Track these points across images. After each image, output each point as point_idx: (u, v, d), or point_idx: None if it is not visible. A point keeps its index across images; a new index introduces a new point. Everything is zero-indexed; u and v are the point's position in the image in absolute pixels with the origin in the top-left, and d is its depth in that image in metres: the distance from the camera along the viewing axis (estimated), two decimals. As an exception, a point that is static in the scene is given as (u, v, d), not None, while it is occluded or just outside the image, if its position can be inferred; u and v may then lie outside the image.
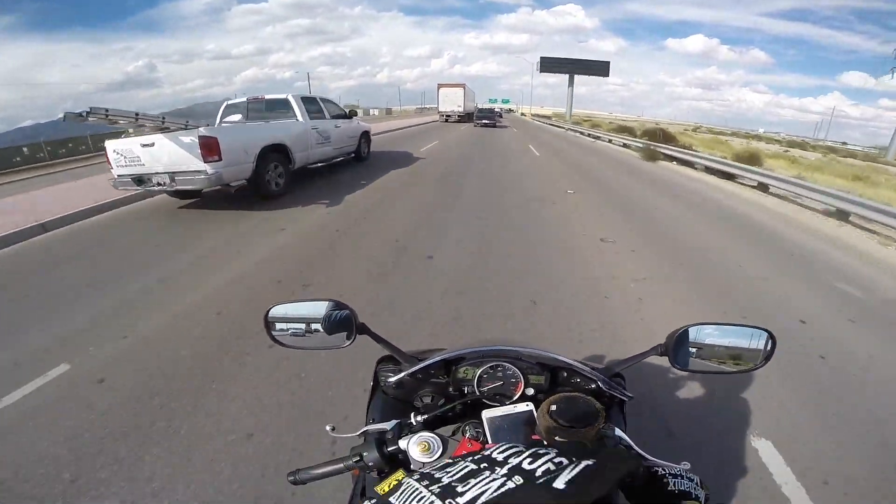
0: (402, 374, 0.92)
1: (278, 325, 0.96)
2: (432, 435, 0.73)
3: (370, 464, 0.73)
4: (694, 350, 0.90)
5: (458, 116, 34.29)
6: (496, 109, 45.06)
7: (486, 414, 0.79)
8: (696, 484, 0.68)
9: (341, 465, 0.75)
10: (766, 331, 0.90)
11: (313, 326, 0.95)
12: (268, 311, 0.96)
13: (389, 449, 0.74)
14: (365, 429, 0.82)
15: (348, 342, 0.94)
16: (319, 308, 0.96)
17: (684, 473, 0.69)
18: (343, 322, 0.95)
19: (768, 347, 0.89)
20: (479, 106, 44.46)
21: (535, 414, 0.76)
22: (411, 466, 0.71)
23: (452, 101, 34.57)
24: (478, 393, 0.90)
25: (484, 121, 30.77)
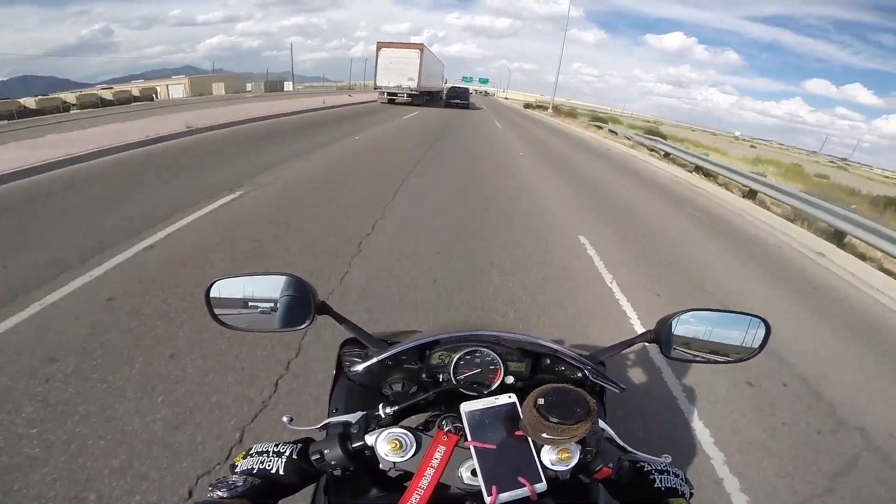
0: (372, 361, 0.82)
1: (222, 303, 0.83)
2: (404, 431, 0.65)
3: (332, 462, 0.65)
4: (685, 337, 0.86)
5: (409, 96, 24.70)
6: (469, 89, 40.62)
7: (465, 407, 0.67)
8: (682, 479, 0.68)
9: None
10: (761, 319, 0.87)
11: (264, 305, 0.82)
12: (209, 287, 0.82)
13: (355, 445, 0.65)
14: (326, 421, 0.72)
15: (305, 324, 0.82)
16: (272, 283, 0.83)
17: (669, 469, 0.69)
18: (301, 300, 0.82)
19: (762, 334, 0.87)
20: (451, 84, 39.85)
21: (519, 407, 0.66)
22: (380, 466, 0.65)
23: (400, 71, 24.57)
24: (454, 381, 0.83)
25: (456, 100, 29.36)
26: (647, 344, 0.87)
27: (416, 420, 0.78)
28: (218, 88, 34.35)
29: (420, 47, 24.69)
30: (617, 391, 0.85)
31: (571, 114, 36.36)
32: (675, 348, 0.86)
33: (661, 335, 0.85)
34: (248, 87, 34.53)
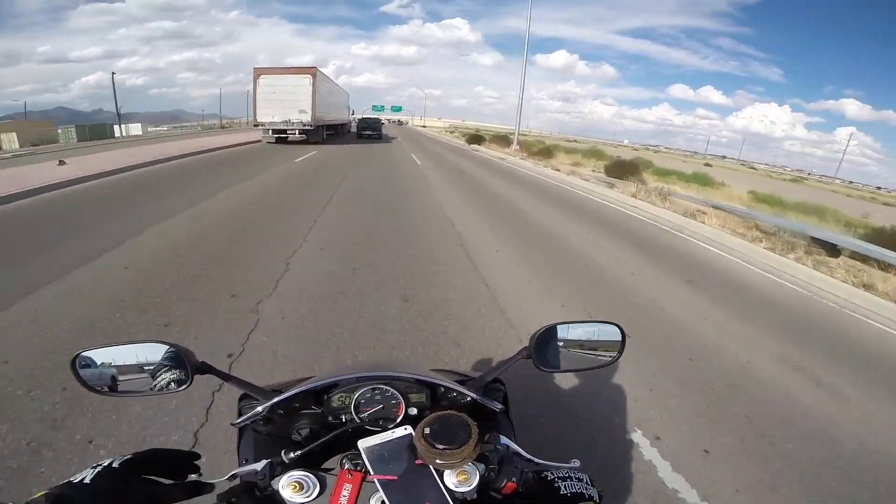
0: (252, 413, 0.82)
1: (91, 373, 0.80)
2: (304, 473, 0.67)
3: None
4: (555, 349, 0.94)
5: (303, 132, 19.88)
6: (382, 119, 40.38)
7: (363, 444, 0.71)
8: (587, 483, 0.72)
9: None
10: (615, 325, 0.96)
11: (142, 371, 0.81)
12: (74, 358, 0.79)
13: (265, 492, 0.68)
14: (234, 472, 0.72)
15: (183, 386, 0.82)
16: (144, 351, 0.82)
17: (573, 474, 0.72)
18: (177, 364, 0.81)
19: (619, 339, 0.96)
20: (361, 115, 39.23)
21: (414, 437, 0.70)
22: None
23: (287, 103, 19.51)
24: (357, 420, 0.84)
25: (368, 132, 28.43)
26: (524, 359, 0.92)
27: (332, 463, 0.76)
28: (8, 140, 22.61)
29: (312, 71, 19.70)
30: (497, 410, 0.90)
31: (546, 151, 25.01)
32: (546, 360, 0.92)
33: (531, 351, 0.91)
34: (59, 131, 24.40)
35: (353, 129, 35.93)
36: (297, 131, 19.11)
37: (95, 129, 23.42)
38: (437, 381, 0.89)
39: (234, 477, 0.72)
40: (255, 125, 19.68)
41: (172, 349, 0.82)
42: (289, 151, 16.29)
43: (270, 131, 19.23)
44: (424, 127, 79.51)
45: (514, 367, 0.91)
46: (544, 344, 0.92)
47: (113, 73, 39.71)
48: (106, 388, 0.80)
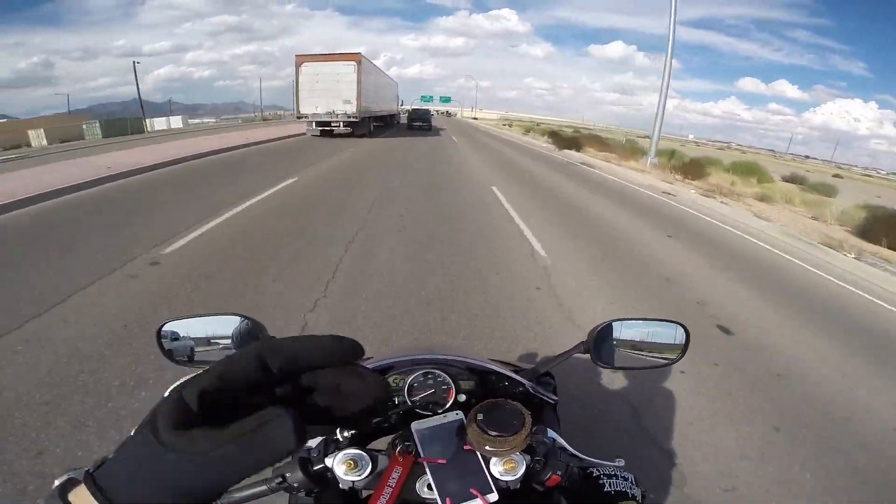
0: None
1: (173, 343, 0.85)
2: (359, 451, 0.69)
3: (295, 485, 0.67)
4: (615, 346, 0.92)
5: (348, 124, 17.84)
6: (431, 111, 37.83)
7: (416, 426, 0.73)
8: (632, 483, 0.72)
9: (264, 486, 0.68)
10: (680, 324, 0.95)
11: (219, 343, 0.85)
12: (160, 327, 0.85)
13: (316, 468, 0.69)
14: None
15: None
16: (222, 323, 0.86)
17: (619, 472, 0.73)
18: (250, 338, 0.85)
19: (684, 340, 0.94)
20: (410, 106, 38.51)
21: (465, 422, 0.72)
22: (340, 486, 0.69)
23: (331, 92, 17.52)
24: (409, 402, 0.86)
25: (419, 123, 28.01)
26: (580, 354, 0.91)
27: (383, 442, 0.79)
28: (37, 137, 21.50)
29: (356, 58, 17.54)
30: (551, 402, 0.91)
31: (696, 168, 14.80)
32: (605, 356, 0.90)
33: (590, 346, 0.89)
34: (84, 127, 22.89)
35: (403, 121, 34.70)
36: (341, 123, 17.22)
37: (116, 125, 21.69)
38: (493, 369, 0.91)
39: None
40: (299, 117, 17.92)
41: (248, 322, 0.84)
42: (333, 145, 14.48)
43: (314, 123, 17.44)
44: (476, 119, 74.46)
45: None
46: (603, 339, 0.90)
47: (135, 62, 37.53)
48: (185, 359, 0.84)
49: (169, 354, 0.84)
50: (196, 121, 41.33)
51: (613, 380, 2.58)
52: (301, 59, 17.34)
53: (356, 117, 17.25)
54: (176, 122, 34.18)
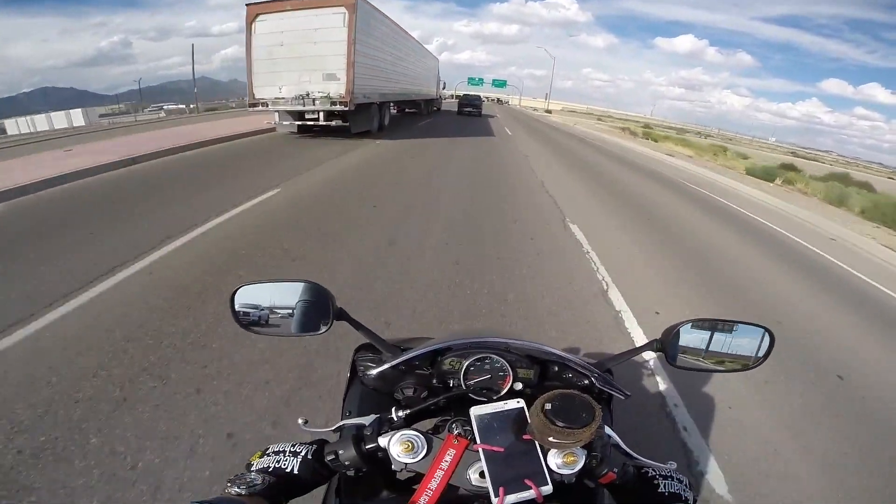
0: (386, 367, 0.86)
1: (245, 308, 0.89)
2: (416, 433, 0.68)
3: (346, 463, 0.68)
4: (690, 347, 0.90)
5: (338, 114, 10.49)
6: (482, 97, 35.11)
7: (475, 411, 0.71)
8: (686, 486, 0.71)
9: (313, 463, 0.69)
10: (764, 328, 0.90)
11: (286, 311, 0.88)
12: (234, 292, 0.89)
13: (368, 447, 0.69)
14: (341, 423, 0.77)
15: (324, 329, 0.89)
16: (293, 290, 0.89)
17: (673, 474, 0.72)
18: (319, 306, 0.88)
19: (766, 345, 0.90)
20: (454, 91, 38.77)
21: (527, 411, 0.70)
22: (392, 467, 0.68)
23: (306, 64, 10.10)
24: (464, 387, 0.86)
25: (469, 108, 27.92)
26: (653, 353, 0.89)
27: (426, 424, 0.79)
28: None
29: (346, 4, 9.76)
30: (622, 398, 0.87)
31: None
32: (680, 357, 0.89)
33: (666, 344, 0.88)
34: None
35: (446, 107, 28.13)
36: (319, 114, 10.32)
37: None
38: (559, 357, 0.88)
39: (339, 428, 0.75)
40: (251, 105, 10.78)
41: (320, 291, 0.87)
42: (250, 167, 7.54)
43: (282, 114, 10.70)
44: (549, 112, 56.53)
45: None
46: (678, 339, 0.88)
47: (192, 45, 31.46)
48: (254, 324, 0.88)
49: (237, 318, 0.88)
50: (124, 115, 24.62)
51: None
52: (256, 10, 10.07)
53: (347, 103, 10.00)
54: (77, 117, 22.93)
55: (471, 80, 65.73)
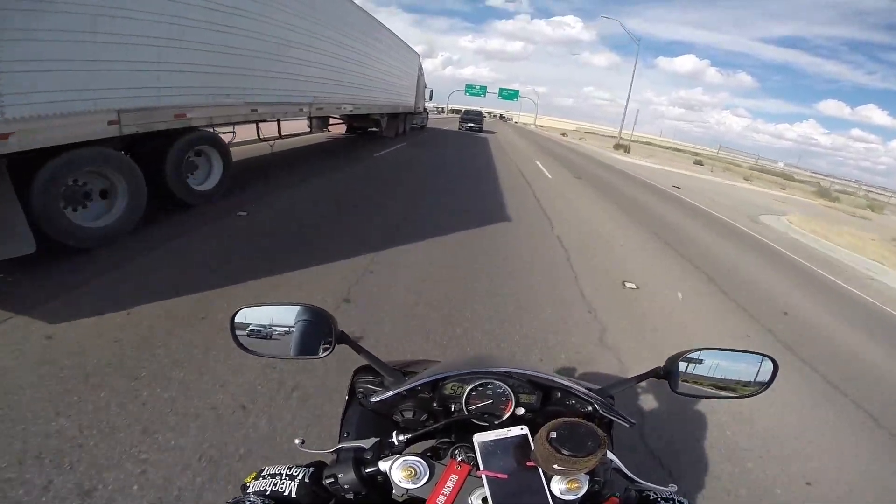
0: (390, 394, 0.85)
1: (245, 330, 0.88)
2: (419, 459, 0.68)
3: (346, 486, 0.68)
4: (694, 375, 0.90)
5: None
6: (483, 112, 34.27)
7: (479, 437, 0.71)
8: None
9: (311, 485, 0.69)
10: (769, 357, 0.90)
11: (287, 333, 0.88)
12: (234, 315, 0.89)
13: (368, 470, 0.69)
14: (339, 446, 0.79)
15: (325, 353, 0.88)
16: (294, 313, 0.88)
17: (675, 498, 0.72)
18: (320, 330, 0.88)
19: (770, 373, 0.90)
20: (447, 104, 37.24)
21: (530, 438, 0.71)
22: (393, 492, 0.67)
23: None
24: (466, 412, 0.85)
25: (470, 124, 29.05)
26: (656, 379, 0.90)
27: (424, 446, 0.79)
28: None
29: None
30: (626, 426, 0.87)
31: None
32: (683, 383, 0.89)
33: (670, 371, 0.89)
34: None
35: (422, 124, 22.40)
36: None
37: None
38: (562, 384, 0.88)
39: (338, 451, 0.76)
40: None
41: (321, 314, 0.87)
42: None
43: None
44: (564, 136, 47.27)
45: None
46: (682, 367, 0.89)
47: None
48: (253, 346, 0.86)
49: (236, 339, 0.87)
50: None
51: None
52: None
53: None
54: None
55: (469, 89, 53.84)
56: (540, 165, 13.97)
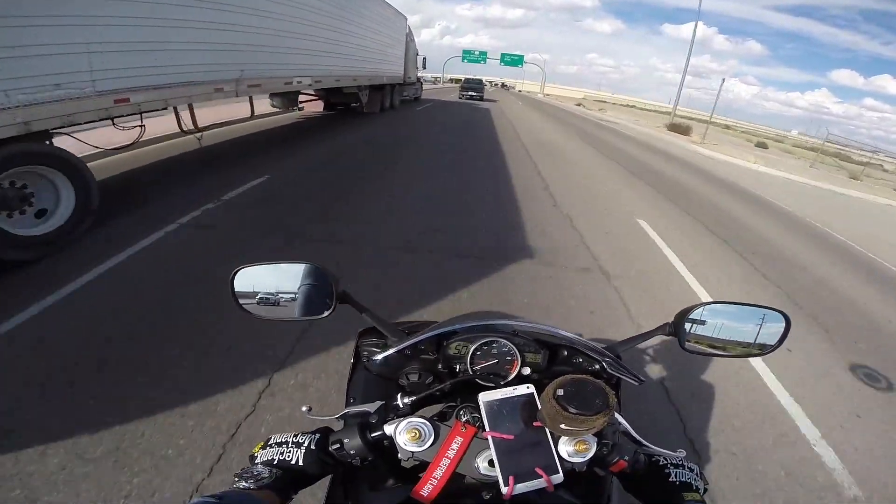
0: (391, 351, 0.85)
1: (246, 291, 0.86)
2: (423, 421, 0.67)
3: (352, 452, 0.67)
4: (704, 331, 0.86)
5: None
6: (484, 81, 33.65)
7: (484, 397, 0.70)
8: (697, 474, 0.70)
9: (319, 454, 0.67)
10: (780, 312, 0.86)
11: (287, 294, 0.86)
12: (233, 274, 0.86)
13: (373, 435, 0.68)
14: (345, 411, 0.77)
15: (327, 312, 0.86)
16: (295, 272, 0.87)
17: (684, 463, 0.71)
18: (322, 289, 0.86)
19: (782, 329, 0.86)
20: (444, 73, 36.47)
21: (537, 397, 0.68)
22: (399, 455, 0.67)
23: None
24: (470, 371, 0.84)
25: (471, 93, 28.72)
26: (664, 336, 0.87)
27: (430, 410, 0.78)
28: None
29: None
30: (635, 383, 0.86)
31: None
32: (691, 342, 0.86)
33: (678, 328, 0.86)
34: None
35: (415, 95, 20.00)
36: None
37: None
38: (569, 341, 0.86)
39: (344, 416, 0.75)
40: None
41: (322, 272, 0.85)
42: None
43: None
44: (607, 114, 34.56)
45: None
46: (691, 323, 0.85)
47: None
48: (254, 307, 0.85)
49: (236, 300, 0.85)
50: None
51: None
52: None
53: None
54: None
55: (466, 55, 48.89)
56: (518, 118, 12.06)
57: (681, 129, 22.95)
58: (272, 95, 10.25)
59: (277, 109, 10.90)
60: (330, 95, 11.81)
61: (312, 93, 11.26)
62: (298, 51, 7.53)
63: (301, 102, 11.73)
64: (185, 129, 6.08)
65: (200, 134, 6.26)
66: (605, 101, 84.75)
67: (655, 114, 51.70)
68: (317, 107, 12.69)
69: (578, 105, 47.39)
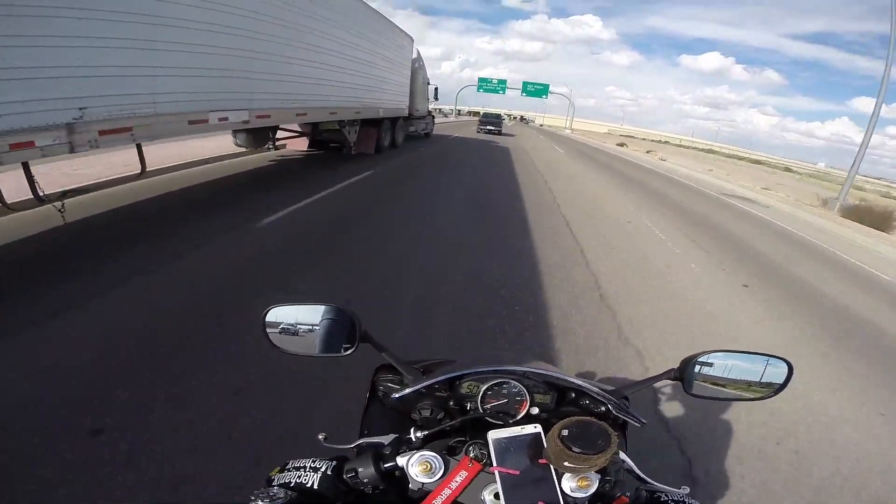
0: (408, 391, 0.88)
1: (276, 328, 0.93)
2: (434, 455, 0.70)
3: (365, 480, 0.70)
4: (707, 376, 0.91)
5: None
6: (503, 115, 36.27)
7: (493, 435, 0.73)
8: None
9: (332, 479, 0.71)
10: (783, 360, 0.90)
11: (313, 332, 0.93)
12: (266, 313, 0.93)
13: (386, 465, 0.71)
14: (360, 441, 0.81)
15: (349, 351, 0.91)
16: (320, 312, 0.93)
17: (686, 500, 0.72)
18: (345, 329, 0.92)
19: (785, 376, 0.90)
20: (450, 104, 34.78)
21: (543, 437, 0.73)
22: (409, 486, 0.71)
23: None
24: (481, 410, 0.86)
25: (489, 127, 29.17)
26: (670, 381, 0.90)
27: (441, 444, 0.80)
28: None
29: None
30: (638, 426, 0.88)
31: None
32: (697, 385, 0.90)
33: (684, 373, 0.89)
34: None
35: (426, 131, 18.06)
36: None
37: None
38: (576, 384, 0.88)
39: (359, 446, 0.79)
40: None
41: (345, 313, 0.91)
42: None
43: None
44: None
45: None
46: (695, 369, 0.90)
47: None
48: (282, 345, 0.91)
49: (268, 338, 0.91)
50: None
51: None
52: None
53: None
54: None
55: (483, 84, 46.55)
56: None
57: (874, 216, 12.18)
58: (235, 133, 8.41)
59: (243, 149, 9.06)
60: (314, 131, 9.97)
61: (297, 127, 9.43)
62: (254, 75, 5.45)
63: (280, 140, 9.89)
64: (40, 195, 4.11)
65: (61, 203, 4.29)
66: (632, 137, 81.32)
67: (717, 157, 45.48)
68: (301, 144, 10.86)
69: (621, 145, 41.28)
